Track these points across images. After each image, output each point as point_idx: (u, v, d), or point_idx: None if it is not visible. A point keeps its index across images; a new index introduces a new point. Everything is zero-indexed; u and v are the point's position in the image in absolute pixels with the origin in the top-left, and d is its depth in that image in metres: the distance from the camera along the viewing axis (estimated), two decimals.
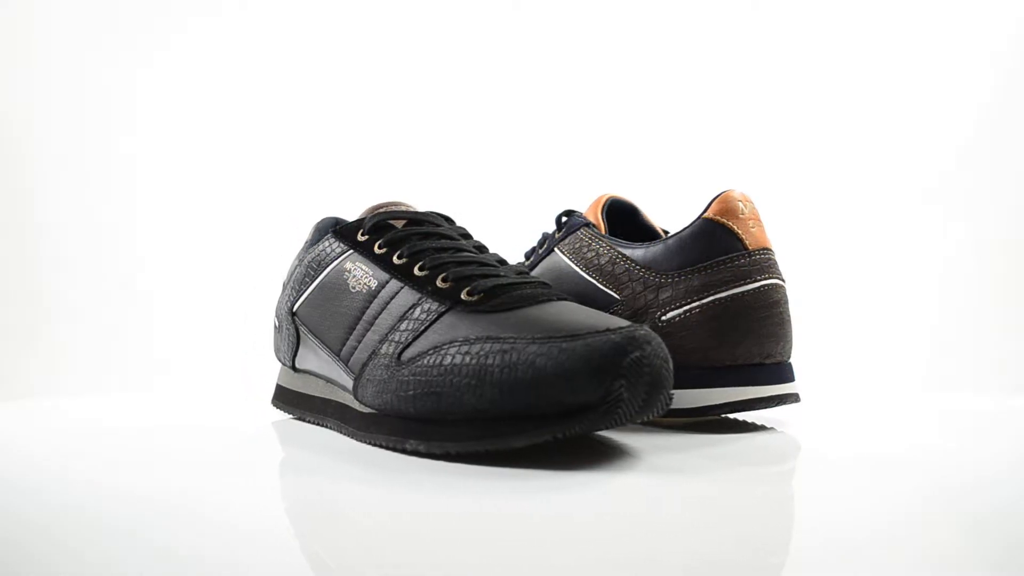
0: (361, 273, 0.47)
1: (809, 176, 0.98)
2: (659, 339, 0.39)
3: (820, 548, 0.28)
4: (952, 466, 0.41)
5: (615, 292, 0.50)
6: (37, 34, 0.94)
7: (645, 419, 0.39)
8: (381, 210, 0.52)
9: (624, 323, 0.38)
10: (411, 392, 0.40)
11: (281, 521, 0.32)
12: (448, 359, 0.39)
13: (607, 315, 0.41)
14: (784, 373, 0.47)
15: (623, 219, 0.56)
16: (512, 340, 0.38)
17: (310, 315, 0.50)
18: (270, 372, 0.58)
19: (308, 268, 0.51)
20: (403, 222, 0.49)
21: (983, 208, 0.96)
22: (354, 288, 0.47)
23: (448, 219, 0.51)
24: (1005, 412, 0.61)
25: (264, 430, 0.52)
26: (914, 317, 0.92)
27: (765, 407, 0.46)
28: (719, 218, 0.47)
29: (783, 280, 0.48)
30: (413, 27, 1.00)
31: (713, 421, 0.50)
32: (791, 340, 0.48)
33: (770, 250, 0.47)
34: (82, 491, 0.36)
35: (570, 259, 0.53)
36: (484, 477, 0.36)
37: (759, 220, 0.48)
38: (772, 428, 0.49)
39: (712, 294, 0.46)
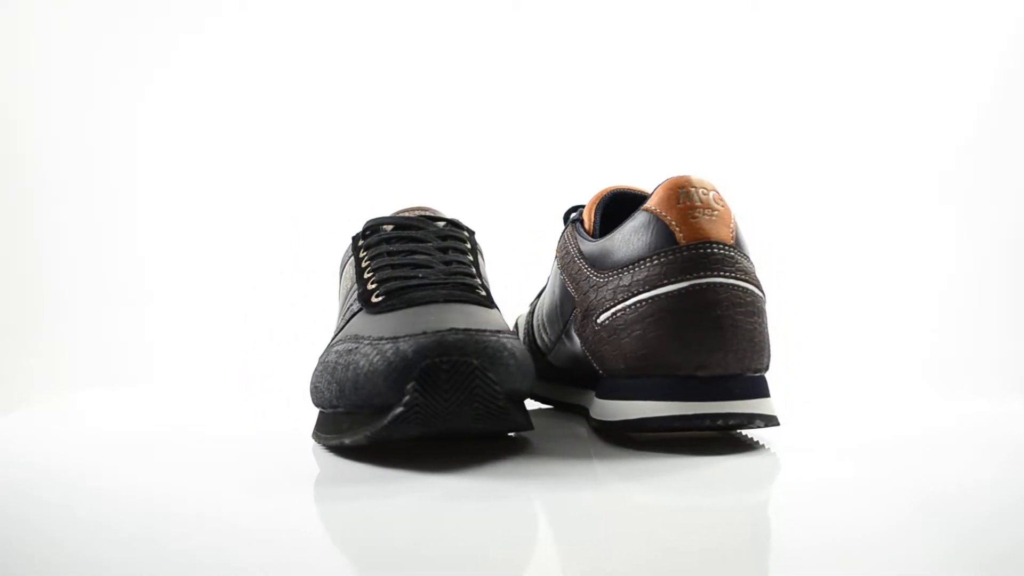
0: (347, 276, 0.52)
1: (808, 178, 0.98)
2: (488, 345, 0.37)
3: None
4: (947, 472, 0.39)
5: (575, 292, 0.46)
6: (38, 33, 0.93)
7: (480, 427, 0.37)
8: (392, 214, 0.56)
9: (463, 327, 0.37)
10: (312, 385, 0.44)
11: (280, 522, 0.32)
12: (328, 356, 0.42)
13: (474, 318, 0.39)
14: (727, 388, 0.39)
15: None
16: (361, 340, 0.39)
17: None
18: (270, 372, 0.61)
19: (339, 270, 0.57)
20: (391, 226, 0.52)
21: (982, 208, 0.95)
22: (343, 289, 0.52)
23: (454, 223, 0.52)
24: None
25: (264, 430, 0.53)
26: (913, 324, 0.88)
27: (697, 427, 0.39)
28: (652, 208, 0.41)
29: (736, 279, 0.39)
30: (426, 28, 0.99)
31: (693, 439, 0.43)
32: (749, 351, 0.39)
33: (715, 243, 0.39)
34: (81, 492, 0.36)
35: (558, 258, 0.50)
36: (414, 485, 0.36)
37: (713, 208, 0.40)
38: (761, 446, 0.42)
39: (636, 295, 0.40)
